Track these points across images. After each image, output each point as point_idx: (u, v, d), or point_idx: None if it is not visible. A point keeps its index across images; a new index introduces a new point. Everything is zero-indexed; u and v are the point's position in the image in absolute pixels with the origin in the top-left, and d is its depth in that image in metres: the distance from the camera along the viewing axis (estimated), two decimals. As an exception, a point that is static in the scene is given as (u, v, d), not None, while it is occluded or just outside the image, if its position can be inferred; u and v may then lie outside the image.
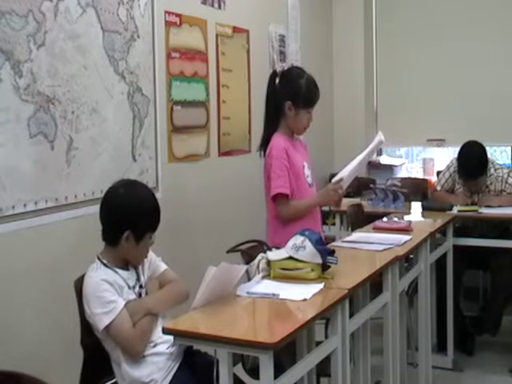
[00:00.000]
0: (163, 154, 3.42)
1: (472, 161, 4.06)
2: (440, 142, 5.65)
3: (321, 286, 2.27)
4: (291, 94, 2.94)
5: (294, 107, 2.94)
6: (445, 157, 5.75)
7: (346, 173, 2.99)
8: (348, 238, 3.15)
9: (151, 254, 2.44)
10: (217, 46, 3.96)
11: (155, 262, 2.45)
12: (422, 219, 3.94)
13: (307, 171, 3.01)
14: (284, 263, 2.38)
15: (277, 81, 2.99)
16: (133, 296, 2.28)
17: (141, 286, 2.34)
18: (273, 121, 3.01)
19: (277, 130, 3.00)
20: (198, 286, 2.14)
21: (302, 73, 3.03)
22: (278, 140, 2.95)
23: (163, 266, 2.46)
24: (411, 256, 3.29)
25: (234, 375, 1.98)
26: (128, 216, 2.26)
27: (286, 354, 2.16)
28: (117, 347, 2.22)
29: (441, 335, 3.98)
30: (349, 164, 3.03)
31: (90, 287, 2.21)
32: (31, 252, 2.58)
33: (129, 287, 2.28)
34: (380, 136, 3.07)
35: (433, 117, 5.64)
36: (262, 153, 3.02)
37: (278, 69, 3.06)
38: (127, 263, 2.35)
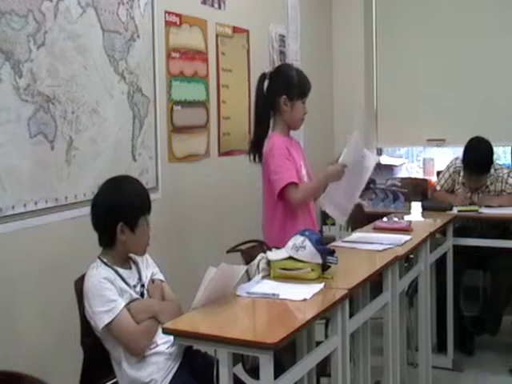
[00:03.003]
0: (163, 154, 3.42)
1: (480, 156, 4.05)
2: (440, 142, 5.64)
3: (321, 285, 2.27)
4: (285, 87, 2.97)
5: (289, 100, 2.96)
6: (445, 157, 5.74)
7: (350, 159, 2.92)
8: (348, 238, 3.15)
9: (147, 256, 2.44)
10: (217, 46, 3.95)
11: (153, 264, 2.45)
12: (422, 219, 3.94)
13: (303, 170, 3.02)
14: (284, 263, 2.38)
15: (266, 82, 3.01)
16: (135, 295, 2.28)
17: (142, 286, 2.34)
18: (263, 124, 3.02)
19: (273, 129, 3.01)
20: (197, 286, 2.14)
21: (290, 66, 3.16)
22: (278, 139, 2.96)
23: (160, 276, 2.46)
24: (411, 256, 3.29)
25: (234, 375, 1.98)
26: (115, 209, 2.27)
27: (286, 353, 2.16)
28: (117, 346, 2.22)
29: (441, 335, 3.98)
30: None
31: (92, 286, 2.21)
32: (31, 252, 2.58)
33: (129, 286, 2.28)
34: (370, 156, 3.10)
35: (433, 117, 5.63)
36: (252, 157, 3.01)
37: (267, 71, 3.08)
38: (128, 262, 2.36)
